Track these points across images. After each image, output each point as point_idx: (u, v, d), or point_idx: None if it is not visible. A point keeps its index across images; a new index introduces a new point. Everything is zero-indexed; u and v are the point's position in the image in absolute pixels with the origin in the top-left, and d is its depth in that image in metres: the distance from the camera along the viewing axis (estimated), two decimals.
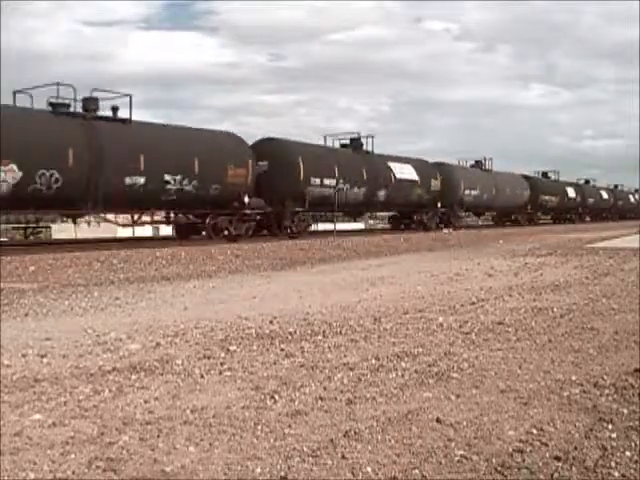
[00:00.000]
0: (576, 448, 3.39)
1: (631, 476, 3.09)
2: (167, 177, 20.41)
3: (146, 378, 4.65)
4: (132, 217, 22.02)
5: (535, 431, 3.62)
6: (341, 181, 27.36)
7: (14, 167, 17.06)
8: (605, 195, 60.44)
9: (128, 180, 19.42)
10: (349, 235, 26.60)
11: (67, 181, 18.01)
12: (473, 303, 8.28)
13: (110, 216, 21.40)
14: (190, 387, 4.44)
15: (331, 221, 28.35)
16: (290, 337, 6.12)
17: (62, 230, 30.07)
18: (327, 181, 26.76)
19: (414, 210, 33.70)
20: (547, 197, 47.34)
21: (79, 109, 19.47)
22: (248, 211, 23.37)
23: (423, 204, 33.60)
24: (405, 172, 31.95)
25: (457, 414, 3.89)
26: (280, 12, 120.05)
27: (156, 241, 22.99)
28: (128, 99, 20.43)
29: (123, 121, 20.21)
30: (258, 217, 24.13)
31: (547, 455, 3.29)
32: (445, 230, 32.54)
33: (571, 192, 51.73)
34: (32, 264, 13.03)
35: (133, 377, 4.67)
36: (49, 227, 31.76)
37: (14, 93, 19.05)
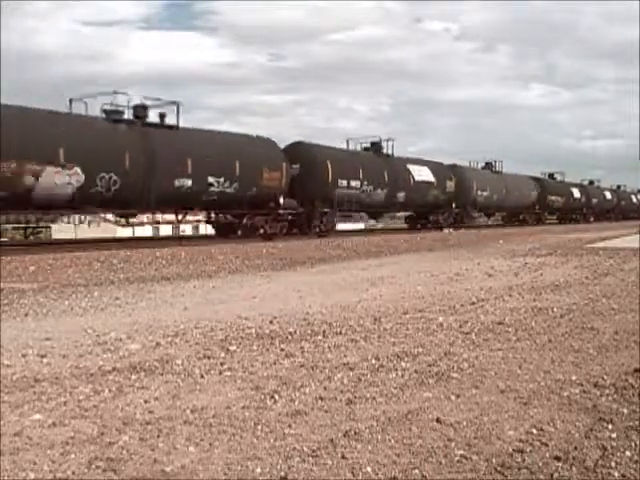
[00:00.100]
0: (576, 448, 3.39)
1: (631, 476, 3.09)
2: (211, 179, 22.09)
3: (146, 378, 4.65)
4: (176, 217, 24.17)
5: (535, 431, 3.62)
6: (365, 183, 29.25)
7: (78, 170, 18.51)
8: (609, 195, 61.71)
9: (177, 182, 21.11)
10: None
11: (124, 183, 19.59)
12: (473, 303, 8.28)
13: (109, 216, 21.79)
14: (190, 387, 4.44)
15: (349, 221, 29.57)
16: (290, 337, 6.12)
17: (62, 230, 30.13)
18: (353, 183, 28.68)
19: (430, 210, 35.32)
20: (554, 197, 48.95)
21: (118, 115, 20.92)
22: (282, 211, 25.08)
23: (439, 205, 35.28)
24: (422, 174, 33.72)
25: (457, 414, 3.89)
26: (280, 12, 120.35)
27: (156, 241, 23.18)
28: (163, 105, 22.17)
29: (170, 127, 21.85)
30: (290, 217, 25.71)
31: (547, 455, 3.29)
32: (445, 230, 32.73)
33: (576, 193, 53.25)
34: (32, 264, 13.04)
35: (133, 377, 4.67)
36: (49, 227, 31.85)
37: (70, 100, 20.35)
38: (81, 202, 19.14)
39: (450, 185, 35.81)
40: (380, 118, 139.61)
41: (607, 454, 3.32)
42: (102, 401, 4.11)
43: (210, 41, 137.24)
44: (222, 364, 5.06)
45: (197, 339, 6.01)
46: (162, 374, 4.77)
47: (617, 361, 5.27)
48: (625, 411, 3.99)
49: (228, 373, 4.81)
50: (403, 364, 5.08)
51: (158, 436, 3.49)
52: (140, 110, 21.25)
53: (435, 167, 35.36)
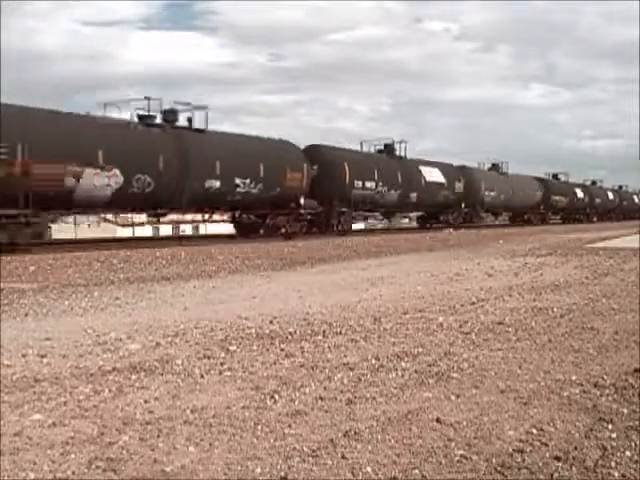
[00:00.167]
0: (576, 448, 3.39)
1: (631, 476, 3.09)
2: (237, 181, 23.35)
3: (146, 378, 4.65)
4: (203, 216, 25.53)
5: (535, 431, 3.62)
6: (380, 184, 30.71)
7: (117, 172, 19.60)
8: (611, 196, 62.68)
9: (207, 183, 22.32)
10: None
11: (158, 185, 20.69)
12: (473, 303, 8.28)
13: (109, 216, 22.12)
14: (190, 387, 4.44)
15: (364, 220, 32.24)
16: (290, 337, 6.12)
17: (62, 230, 30.12)
18: (368, 184, 30.10)
19: (441, 210, 36.78)
20: (558, 198, 50.25)
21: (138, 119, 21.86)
22: (302, 211, 26.39)
23: (449, 205, 36.76)
24: (433, 175, 35.15)
25: (457, 414, 3.89)
26: (280, 12, 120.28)
27: (156, 241, 23.31)
28: (191, 110, 23.26)
29: (199, 130, 22.92)
30: (309, 217, 26.98)
31: (547, 455, 3.29)
32: (446, 230, 32.84)
33: (580, 193, 54.40)
34: (32, 264, 13.04)
35: (133, 377, 4.67)
36: (49, 227, 31.86)
37: (104, 105, 21.48)
38: (118, 203, 20.28)
39: (459, 186, 37.10)
40: (380, 118, 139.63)
41: (607, 454, 3.32)
42: (102, 401, 4.11)
43: (210, 41, 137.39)
44: (222, 364, 5.06)
45: (197, 339, 6.01)
46: (162, 374, 4.77)
47: (617, 361, 5.27)
48: (625, 411, 3.99)
49: (228, 373, 4.81)
50: (403, 364, 5.08)
51: (158, 436, 3.49)
52: (170, 114, 22.42)
53: (445, 168, 36.67)
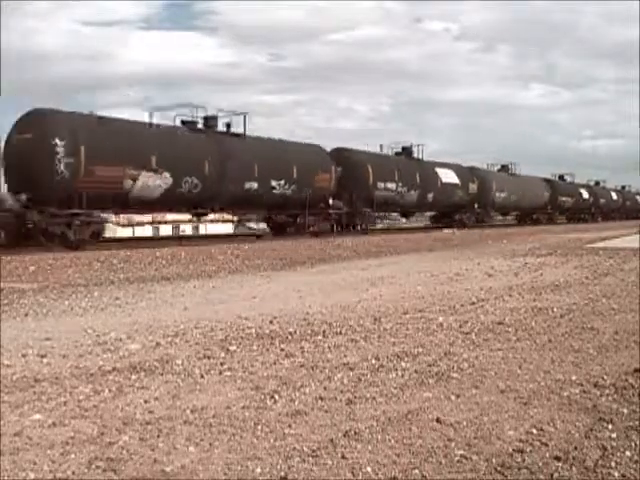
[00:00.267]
0: (576, 448, 3.39)
1: (631, 476, 3.09)
2: (273, 182, 25.14)
3: (146, 378, 4.65)
4: (236, 217, 26.46)
5: (535, 431, 3.62)
6: (400, 185, 32.34)
7: (167, 175, 21.35)
8: (615, 196, 64.04)
9: (246, 185, 24.10)
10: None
11: (203, 186, 22.45)
12: (473, 303, 8.28)
13: (113, 217, 22.58)
14: (190, 387, 4.44)
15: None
16: (290, 337, 6.12)
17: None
18: (390, 185, 31.77)
19: (455, 210, 38.23)
20: (564, 198, 51.74)
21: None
22: (331, 211, 28.31)
23: (462, 205, 38.38)
24: (449, 177, 36.76)
25: (457, 414, 3.89)
26: (280, 12, 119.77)
27: (156, 241, 23.38)
28: (238, 116, 25.12)
29: (237, 135, 24.80)
30: (336, 216, 28.75)
31: (547, 455, 3.29)
32: (446, 230, 32.97)
33: (585, 193, 55.89)
34: (32, 264, 13.04)
35: (133, 377, 4.67)
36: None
37: (150, 112, 23.17)
38: (167, 202, 21.98)
39: (473, 187, 38.78)
40: (380, 118, 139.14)
41: (607, 454, 3.32)
42: (102, 401, 4.11)
43: (210, 41, 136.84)
44: (222, 364, 5.06)
45: (197, 339, 6.01)
46: (162, 374, 4.77)
47: (617, 361, 5.27)
48: (625, 411, 3.99)
49: (228, 373, 4.81)
50: (403, 364, 5.08)
51: (158, 436, 3.49)
52: (211, 120, 24.15)
53: (459, 170, 38.36)
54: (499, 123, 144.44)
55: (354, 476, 3.04)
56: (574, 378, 4.72)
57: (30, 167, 18.34)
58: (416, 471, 3.09)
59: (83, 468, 3.08)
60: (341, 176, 28.60)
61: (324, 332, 6.34)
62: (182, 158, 21.82)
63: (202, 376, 4.72)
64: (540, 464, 3.18)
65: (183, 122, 23.64)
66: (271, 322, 6.86)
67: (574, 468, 3.15)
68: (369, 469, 3.10)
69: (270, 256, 16.27)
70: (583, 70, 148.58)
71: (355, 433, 3.55)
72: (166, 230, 26.72)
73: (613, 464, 3.20)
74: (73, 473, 3.03)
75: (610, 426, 3.72)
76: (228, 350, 5.54)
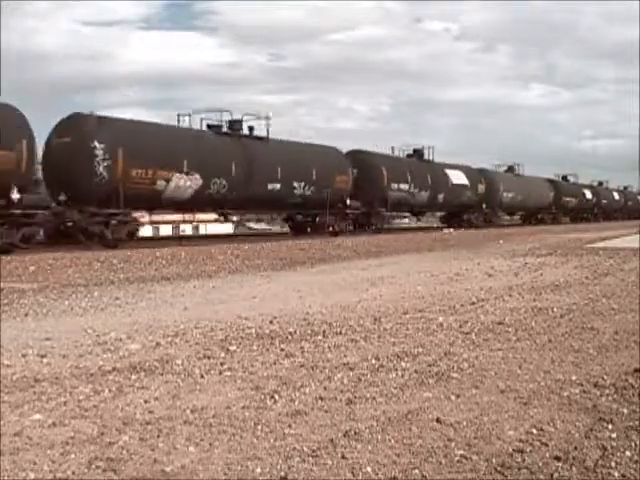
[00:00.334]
0: (576, 448, 3.39)
1: (631, 476, 3.09)
2: (295, 184, 26.32)
3: (146, 378, 4.65)
4: (270, 216, 30.79)
5: (535, 431, 3.62)
6: (412, 185, 33.64)
7: (197, 176, 22.43)
8: (617, 196, 65.06)
9: (269, 186, 25.23)
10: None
11: (230, 187, 23.55)
12: (473, 303, 8.28)
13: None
14: (190, 387, 4.44)
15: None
16: (290, 337, 6.12)
17: None
18: (402, 186, 33.03)
19: (464, 210, 39.54)
20: (568, 198, 52.89)
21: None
22: (348, 211, 29.68)
23: (471, 205, 39.70)
24: (458, 178, 38.07)
25: (457, 414, 3.89)
26: (280, 12, 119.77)
27: (156, 241, 23.59)
28: (255, 120, 26.29)
29: (260, 139, 25.83)
30: (353, 216, 30.17)
31: (547, 455, 3.29)
32: (445, 230, 33.15)
33: (588, 194, 56.92)
34: (32, 264, 13.04)
35: (133, 377, 4.67)
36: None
37: (178, 116, 24.55)
38: (197, 203, 23.26)
39: (481, 187, 40.14)
40: (380, 118, 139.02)
41: (607, 454, 3.32)
42: (102, 401, 4.11)
43: (210, 41, 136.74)
44: (222, 364, 5.06)
45: (197, 339, 6.01)
46: (162, 374, 4.77)
47: (617, 361, 5.27)
48: (625, 411, 3.99)
49: (228, 373, 4.81)
50: (403, 364, 5.08)
51: (158, 436, 3.49)
52: (236, 124, 25.31)
53: (468, 171, 39.69)
54: (499, 123, 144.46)
55: (354, 476, 3.04)
56: (574, 378, 4.72)
57: (69, 169, 19.15)
58: (416, 471, 3.09)
59: (83, 468, 3.08)
60: (357, 177, 29.85)
61: (324, 332, 6.34)
62: (211, 160, 22.94)
63: (202, 376, 4.72)
64: (540, 464, 3.18)
65: (209, 126, 24.71)
66: (271, 322, 6.86)
67: (574, 468, 3.15)
68: (369, 469, 3.10)
69: (270, 256, 16.27)
70: (583, 70, 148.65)
71: (355, 433, 3.55)
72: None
73: (613, 464, 3.20)
74: (73, 473, 3.03)
75: (610, 426, 3.72)
76: (228, 350, 5.54)
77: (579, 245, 20.52)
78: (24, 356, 5.30)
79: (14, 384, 4.47)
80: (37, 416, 3.80)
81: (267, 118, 26.11)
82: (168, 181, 21.60)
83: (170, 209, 24.00)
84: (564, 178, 56.33)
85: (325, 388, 4.42)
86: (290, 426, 3.66)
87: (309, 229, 28.38)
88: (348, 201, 29.47)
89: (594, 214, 57.55)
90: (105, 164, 19.69)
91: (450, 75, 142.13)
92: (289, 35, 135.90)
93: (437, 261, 15.28)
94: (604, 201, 60.39)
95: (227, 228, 32.37)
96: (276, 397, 4.19)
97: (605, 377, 4.74)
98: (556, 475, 3.08)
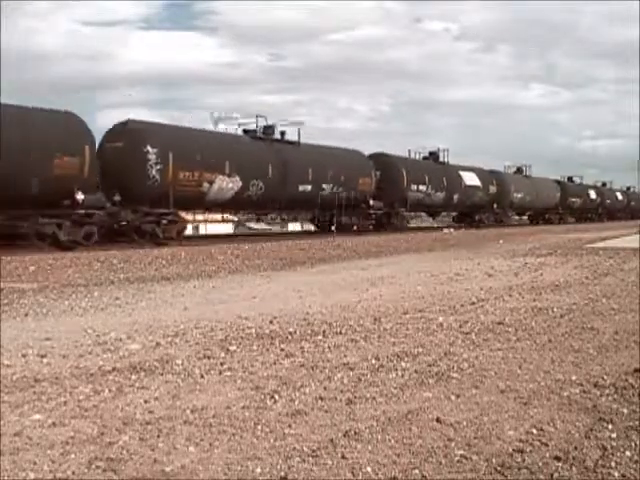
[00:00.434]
0: (576, 448, 3.39)
1: (631, 476, 3.09)
2: (324, 185, 28.22)
3: (146, 378, 4.65)
4: (295, 217, 32.36)
5: (535, 431, 3.62)
6: (429, 187, 35.47)
7: (237, 178, 24.02)
8: (620, 197, 66.23)
9: (300, 188, 27.13)
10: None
11: (267, 189, 25.27)
12: (473, 303, 8.28)
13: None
14: (190, 387, 4.44)
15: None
16: (290, 337, 6.12)
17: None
18: (421, 187, 34.92)
19: (476, 210, 41.51)
20: (574, 199, 54.42)
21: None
22: (371, 211, 31.50)
23: (483, 205, 41.63)
24: (471, 179, 39.83)
25: (457, 414, 3.89)
26: (280, 12, 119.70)
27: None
28: (287, 125, 28.92)
29: (292, 143, 27.87)
30: (375, 216, 31.98)
31: (547, 455, 3.29)
32: (445, 230, 33.23)
33: (593, 194, 58.26)
34: (32, 264, 13.04)
35: (133, 377, 4.67)
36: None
37: (215, 121, 27.89)
38: (237, 204, 25.32)
39: (492, 189, 41.99)
40: (380, 118, 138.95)
41: (607, 454, 3.32)
42: (102, 401, 4.11)
43: (210, 41, 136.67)
44: (222, 364, 5.06)
45: (197, 339, 6.01)
46: (162, 374, 4.77)
47: (617, 361, 5.27)
48: (625, 411, 3.99)
49: (228, 373, 4.81)
50: (403, 364, 5.08)
51: (158, 436, 3.49)
52: (269, 129, 27.09)
53: (480, 173, 41.52)
54: (499, 123, 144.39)
55: (354, 476, 3.04)
56: (574, 378, 4.72)
57: (122, 172, 20.37)
58: (416, 471, 3.09)
59: (83, 468, 3.08)
60: (379, 179, 31.62)
61: (324, 332, 6.34)
62: (249, 163, 24.66)
63: (202, 376, 4.72)
64: (540, 464, 3.18)
65: (245, 131, 26.70)
66: (271, 322, 6.86)
67: (574, 468, 3.15)
68: (369, 469, 3.10)
69: (270, 256, 16.27)
70: (583, 70, 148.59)
71: (355, 433, 3.55)
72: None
73: (613, 464, 3.20)
74: (73, 473, 3.03)
75: (610, 426, 3.72)
76: (228, 350, 5.54)
77: (579, 245, 20.51)
78: (24, 356, 5.30)
79: (14, 384, 4.47)
80: (37, 416, 3.80)
81: (299, 124, 28.97)
82: (212, 183, 23.12)
83: (213, 210, 26.06)
84: (570, 179, 57.61)
85: (325, 388, 4.42)
86: (290, 426, 3.66)
87: (333, 227, 29.24)
88: (371, 201, 31.06)
89: (598, 214, 58.72)
90: (157, 167, 21.20)
91: (450, 75, 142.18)
92: (289, 35, 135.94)
93: (437, 261, 15.28)
94: (608, 201, 61.58)
95: (227, 228, 32.74)
96: (276, 397, 4.19)
97: (605, 377, 4.74)
98: (556, 475, 3.08)
